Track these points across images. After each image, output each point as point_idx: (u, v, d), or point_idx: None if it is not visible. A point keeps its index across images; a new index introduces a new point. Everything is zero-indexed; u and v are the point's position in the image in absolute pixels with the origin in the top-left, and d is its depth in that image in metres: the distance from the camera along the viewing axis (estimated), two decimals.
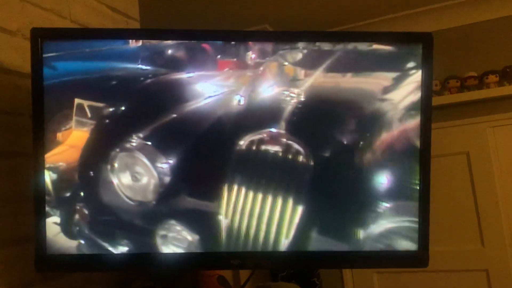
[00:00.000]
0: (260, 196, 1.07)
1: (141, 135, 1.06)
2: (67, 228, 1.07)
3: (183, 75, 1.08)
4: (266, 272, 2.60)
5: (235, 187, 1.07)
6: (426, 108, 1.08)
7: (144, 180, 1.07)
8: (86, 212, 1.08)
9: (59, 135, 1.05)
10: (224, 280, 1.39)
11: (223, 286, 1.38)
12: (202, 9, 2.26)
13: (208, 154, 1.09)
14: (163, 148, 1.07)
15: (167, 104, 1.08)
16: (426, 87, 1.07)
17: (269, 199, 1.07)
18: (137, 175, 1.07)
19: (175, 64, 1.08)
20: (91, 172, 1.07)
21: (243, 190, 1.07)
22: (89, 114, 1.06)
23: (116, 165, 1.07)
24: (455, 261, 2.62)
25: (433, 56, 1.05)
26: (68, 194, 1.07)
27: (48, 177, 1.05)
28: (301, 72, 1.07)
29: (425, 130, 1.08)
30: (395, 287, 2.74)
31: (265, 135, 1.06)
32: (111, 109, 1.07)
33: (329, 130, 1.09)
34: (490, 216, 2.57)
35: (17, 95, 1.15)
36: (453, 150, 2.65)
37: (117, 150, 1.06)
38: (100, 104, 1.06)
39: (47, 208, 1.05)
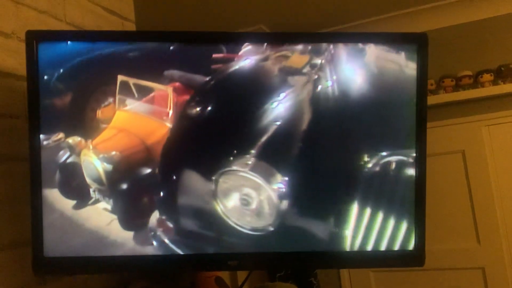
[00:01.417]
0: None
1: (252, 151, 1.00)
2: (124, 218, 1.04)
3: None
4: (263, 273, 2.60)
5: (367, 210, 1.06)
6: (421, 108, 1.08)
7: (256, 203, 1.02)
8: (163, 212, 1.04)
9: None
10: (222, 281, 1.40)
11: (221, 287, 1.38)
12: (197, 10, 2.26)
13: (330, 165, 1.06)
14: (277, 164, 1.02)
15: (266, 111, 1.03)
16: (421, 87, 1.07)
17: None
18: (247, 198, 1.02)
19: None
20: (174, 176, 1.04)
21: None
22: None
23: (217, 186, 1.01)
24: (451, 259, 2.63)
25: (428, 56, 1.06)
26: (126, 186, 1.04)
27: (100, 165, 1.02)
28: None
29: (420, 129, 1.09)
30: (392, 285, 2.75)
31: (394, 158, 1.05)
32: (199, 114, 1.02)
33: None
34: (486, 214, 2.58)
35: (12, 97, 1.15)
36: (448, 148, 2.66)
37: (220, 170, 1.00)
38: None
39: (96, 194, 1.03)
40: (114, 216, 1.05)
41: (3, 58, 1.13)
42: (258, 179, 1.02)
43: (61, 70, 1.04)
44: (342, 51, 1.06)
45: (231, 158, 1.02)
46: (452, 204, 2.63)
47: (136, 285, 1.32)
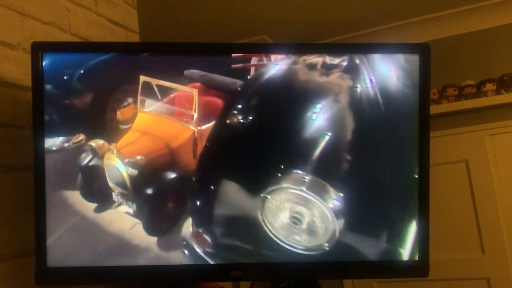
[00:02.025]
0: None
1: (303, 166, 0.97)
2: (149, 223, 1.02)
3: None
4: (266, 283, 2.59)
5: None
6: (424, 118, 1.08)
7: (308, 222, 0.99)
8: (199, 224, 1.01)
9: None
10: None
11: None
12: (201, 21, 2.27)
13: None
14: (331, 180, 0.99)
15: (307, 121, 1.00)
16: (424, 97, 1.07)
17: None
18: (299, 216, 0.98)
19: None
20: (212, 186, 1.01)
21: None
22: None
23: (265, 203, 0.98)
24: (456, 270, 2.61)
25: (430, 66, 1.06)
26: (152, 191, 1.01)
27: (124, 170, 1.00)
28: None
29: (423, 139, 1.09)
30: None
31: None
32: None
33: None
34: (490, 224, 2.57)
35: (17, 108, 1.16)
36: (451, 158, 2.65)
37: (269, 188, 0.97)
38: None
39: (119, 198, 1.01)
40: (137, 221, 1.04)
41: (9, 69, 1.14)
42: (313, 197, 0.98)
43: (81, 71, 1.03)
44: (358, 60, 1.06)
45: (279, 174, 0.99)
46: (456, 213, 2.62)
47: None
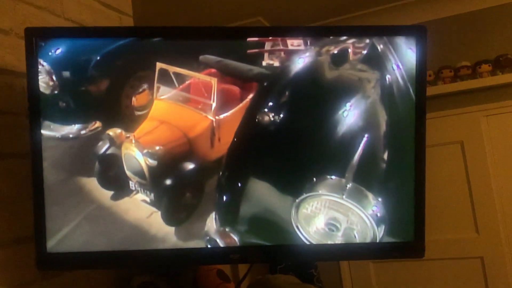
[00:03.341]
0: None
1: (339, 172, 0.95)
2: (167, 213, 1.02)
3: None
4: (264, 264, 2.62)
5: None
6: (421, 100, 1.08)
7: (345, 229, 0.97)
8: (224, 221, 1.01)
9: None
10: (224, 273, 1.41)
11: (223, 279, 1.39)
12: (194, 3, 2.25)
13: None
14: (368, 185, 0.96)
15: (339, 120, 0.98)
16: (420, 79, 1.07)
17: None
18: (336, 223, 0.96)
19: None
20: (239, 184, 1.00)
21: None
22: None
23: (299, 209, 0.96)
24: (450, 249, 2.66)
25: (426, 48, 1.06)
26: (171, 181, 1.01)
27: (143, 159, 0.99)
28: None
29: (419, 121, 1.09)
30: (392, 276, 2.78)
31: None
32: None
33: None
34: (485, 204, 2.60)
35: (12, 94, 1.15)
36: (447, 139, 2.67)
37: (304, 194, 0.95)
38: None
39: (136, 187, 1.01)
40: (155, 209, 1.04)
41: (2, 55, 1.13)
42: (352, 205, 0.97)
43: (98, 57, 1.02)
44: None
45: (314, 179, 0.98)
46: (451, 194, 2.65)
47: (138, 279, 1.33)
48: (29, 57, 1.01)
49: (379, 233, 1.03)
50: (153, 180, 1.02)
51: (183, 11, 2.29)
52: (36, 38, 1.01)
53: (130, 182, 1.05)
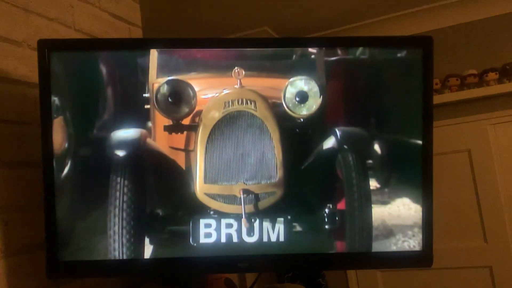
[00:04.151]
0: None
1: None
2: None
3: None
4: (271, 273, 2.62)
5: None
6: (428, 109, 1.09)
7: None
8: None
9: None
10: (231, 282, 1.41)
11: None
12: (202, 14, 2.28)
13: None
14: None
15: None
16: (427, 89, 1.08)
17: None
18: None
19: None
20: None
21: None
22: None
23: None
24: (459, 259, 2.63)
25: (433, 59, 1.07)
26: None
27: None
28: None
29: (426, 130, 1.10)
30: (399, 285, 2.76)
31: None
32: None
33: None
34: (493, 213, 2.58)
35: (24, 104, 1.17)
36: (454, 148, 2.66)
37: None
38: None
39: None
40: None
41: (15, 66, 1.15)
42: None
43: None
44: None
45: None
46: (459, 203, 2.63)
47: (147, 286, 1.34)
48: (42, 68, 1.03)
49: None
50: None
51: (190, 22, 2.32)
52: (48, 50, 1.03)
53: None
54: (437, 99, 2.51)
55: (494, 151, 2.60)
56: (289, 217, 1.08)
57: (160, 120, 1.08)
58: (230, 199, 1.07)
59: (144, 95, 1.08)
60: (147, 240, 1.09)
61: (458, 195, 2.64)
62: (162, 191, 1.11)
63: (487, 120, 2.61)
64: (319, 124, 1.09)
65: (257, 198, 1.06)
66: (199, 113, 1.07)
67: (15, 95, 1.15)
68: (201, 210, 1.08)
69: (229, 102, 1.05)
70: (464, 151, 2.66)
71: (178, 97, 1.05)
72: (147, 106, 1.08)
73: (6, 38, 1.14)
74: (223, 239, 1.07)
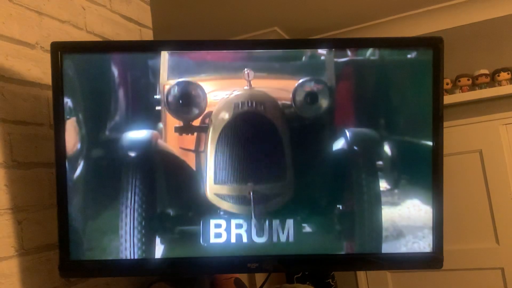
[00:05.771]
0: None
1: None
2: None
3: None
4: (281, 274, 2.62)
5: None
6: (438, 110, 1.09)
7: None
8: None
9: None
10: (241, 282, 1.42)
11: None
12: (212, 15, 2.29)
13: None
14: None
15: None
16: (437, 90, 1.08)
17: None
18: None
19: None
20: None
21: None
22: None
23: None
24: (470, 260, 2.62)
25: (443, 59, 1.06)
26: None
27: None
28: None
29: (436, 131, 1.10)
30: (409, 286, 2.74)
31: None
32: None
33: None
34: (504, 214, 2.56)
35: (37, 106, 1.19)
36: (465, 148, 2.64)
37: None
38: None
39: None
40: None
41: (29, 68, 1.17)
42: None
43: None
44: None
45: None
46: (470, 204, 2.62)
47: (156, 286, 1.35)
48: (55, 70, 1.05)
49: None
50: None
51: (200, 23, 2.33)
52: (61, 52, 1.04)
53: None
54: (448, 99, 2.50)
55: (506, 152, 2.58)
56: (298, 218, 1.08)
57: (171, 121, 1.09)
58: (240, 199, 1.07)
59: (155, 96, 1.09)
60: (158, 240, 1.10)
61: (469, 195, 2.62)
62: (172, 191, 1.12)
63: (498, 120, 2.59)
64: (328, 125, 1.10)
65: (266, 198, 1.07)
66: (209, 114, 1.08)
67: (29, 97, 1.17)
68: (211, 211, 1.09)
69: (239, 103, 1.06)
70: (475, 152, 2.64)
71: (188, 98, 1.06)
72: (158, 108, 1.09)
73: (20, 41, 1.15)
74: (233, 239, 1.09)
